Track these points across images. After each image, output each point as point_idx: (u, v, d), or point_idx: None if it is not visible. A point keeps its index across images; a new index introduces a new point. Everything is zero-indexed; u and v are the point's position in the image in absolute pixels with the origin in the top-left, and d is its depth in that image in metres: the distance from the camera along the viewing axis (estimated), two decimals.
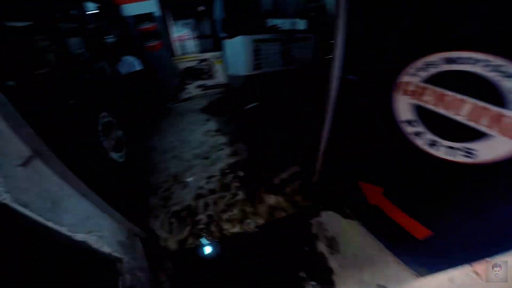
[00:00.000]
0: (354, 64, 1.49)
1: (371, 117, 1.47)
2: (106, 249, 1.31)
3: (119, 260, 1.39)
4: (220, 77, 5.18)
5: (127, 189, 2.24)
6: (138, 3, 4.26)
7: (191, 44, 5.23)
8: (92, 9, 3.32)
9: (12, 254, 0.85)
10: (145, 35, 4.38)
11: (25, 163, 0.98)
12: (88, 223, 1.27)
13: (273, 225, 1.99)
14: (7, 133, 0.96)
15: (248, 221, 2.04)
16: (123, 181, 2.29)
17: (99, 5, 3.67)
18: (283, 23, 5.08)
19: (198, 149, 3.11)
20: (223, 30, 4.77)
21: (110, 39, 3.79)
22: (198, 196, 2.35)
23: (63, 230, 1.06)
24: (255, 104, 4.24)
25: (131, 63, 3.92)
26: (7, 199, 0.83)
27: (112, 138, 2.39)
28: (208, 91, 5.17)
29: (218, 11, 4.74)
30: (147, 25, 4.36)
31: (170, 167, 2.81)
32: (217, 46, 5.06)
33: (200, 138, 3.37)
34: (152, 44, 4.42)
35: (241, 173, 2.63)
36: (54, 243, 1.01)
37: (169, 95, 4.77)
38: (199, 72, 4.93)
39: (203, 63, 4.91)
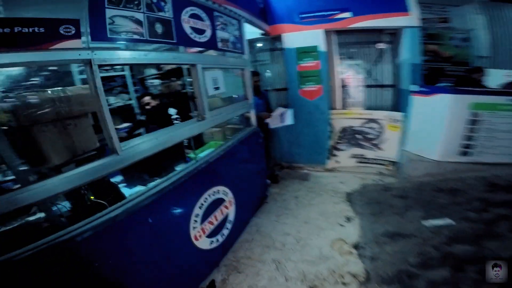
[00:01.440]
0: None
1: None
2: None
3: None
4: (389, 151, 3.57)
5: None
6: (301, 32, 3.45)
7: (358, 95, 3.87)
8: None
9: None
10: (303, 76, 3.57)
11: None
12: None
13: None
14: None
15: None
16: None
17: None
18: None
19: (311, 267, 1.99)
20: (416, 81, 3.27)
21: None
22: None
23: None
24: (446, 222, 2.27)
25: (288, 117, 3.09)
26: None
27: (214, 221, 2.00)
28: (365, 165, 3.77)
29: (409, 51, 3.27)
30: (309, 63, 3.51)
31: (261, 274, 1.97)
32: (398, 104, 3.62)
33: (323, 248, 2.18)
34: (309, 88, 3.58)
35: None
36: None
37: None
38: (361, 137, 3.72)
39: (370, 125, 3.64)
